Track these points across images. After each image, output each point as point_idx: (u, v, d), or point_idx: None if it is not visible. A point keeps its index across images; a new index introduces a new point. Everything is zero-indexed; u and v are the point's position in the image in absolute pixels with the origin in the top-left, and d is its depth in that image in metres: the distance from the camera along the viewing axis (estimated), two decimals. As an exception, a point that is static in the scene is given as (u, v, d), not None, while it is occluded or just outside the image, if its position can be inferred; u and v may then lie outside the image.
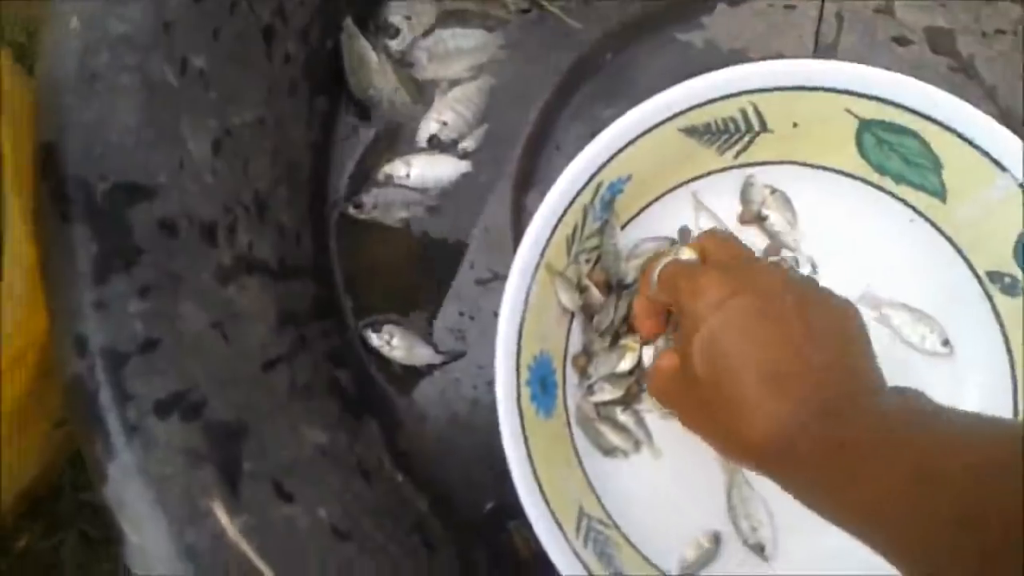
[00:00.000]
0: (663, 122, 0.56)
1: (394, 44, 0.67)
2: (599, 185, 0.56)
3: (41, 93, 0.44)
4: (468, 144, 0.66)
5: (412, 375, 0.63)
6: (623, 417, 0.59)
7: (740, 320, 0.42)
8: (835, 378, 0.41)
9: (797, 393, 0.40)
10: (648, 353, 0.58)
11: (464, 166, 0.65)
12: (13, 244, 0.42)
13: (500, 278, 0.57)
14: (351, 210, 0.65)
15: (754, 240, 0.62)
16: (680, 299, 0.45)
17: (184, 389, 0.43)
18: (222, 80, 0.52)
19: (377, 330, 0.62)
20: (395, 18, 0.68)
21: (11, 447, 0.47)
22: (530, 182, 0.65)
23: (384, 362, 0.63)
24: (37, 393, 0.45)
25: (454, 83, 0.67)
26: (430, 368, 0.63)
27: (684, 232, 0.62)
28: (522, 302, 0.54)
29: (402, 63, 0.67)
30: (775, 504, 0.58)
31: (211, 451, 0.43)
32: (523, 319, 0.54)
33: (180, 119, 0.48)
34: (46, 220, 0.42)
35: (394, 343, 0.62)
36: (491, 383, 0.53)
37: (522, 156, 0.65)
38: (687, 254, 0.51)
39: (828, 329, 0.43)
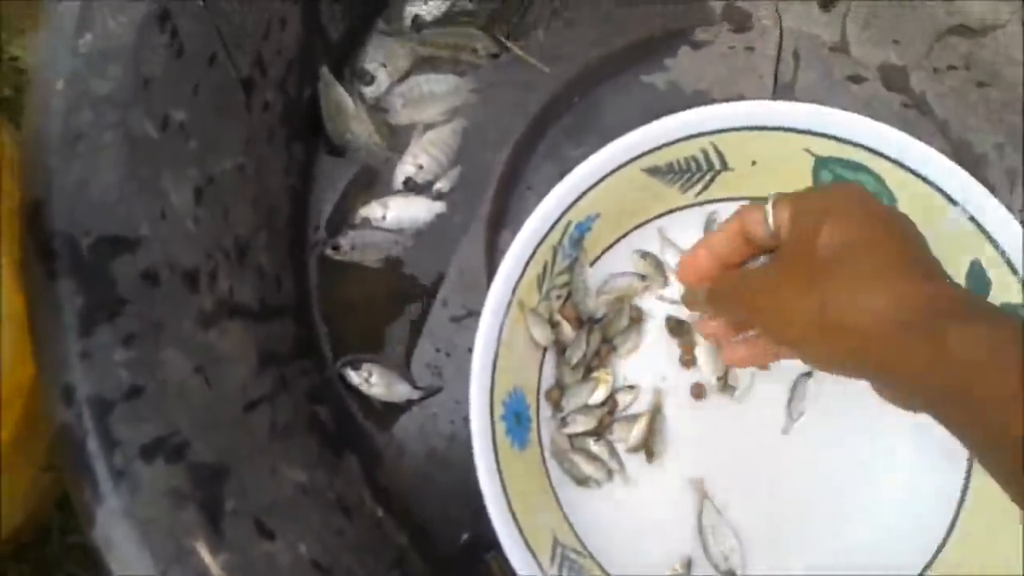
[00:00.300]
0: (627, 163, 0.59)
1: (369, 91, 0.70)
2: (568, 224, 0.58)
3: (27, 151, 0.46)
4: (442, 186, 0.68)
5: (391, 411, 0.64)
6: (596, 447, 0.60)
7: (875, 214, 0.43)
8: (943, 272, 0.44)
9: (926, 276, 0.42)
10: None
11: (439, 207, 0.67)
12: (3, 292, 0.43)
13: (474, 315, 0.59)
14: (329, 252, 0.66)
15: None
16: (804, 202, 0.45)
17: (167, 433, 0.44)
18: (203, 131, 0.53)
19: (356, 368, 0.64)
20: (370, 65, 0.70)
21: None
22: (502, 222, 0.67)
23: (363, 399, 0.64)
24: (24, 440, 0.46)
25: (428, 127, 0.69)
26: (409, 404, 0.64)
27: (644, 253, 0.64)
28: (495, 339, 0.56)
29: (377, 108, 0.69)
30: (741, 525, 0.60)
31: (194, 492, 0.44)
32: (496, 355, 0.56)
33: (161, 171, 0.49)
34: (33, 275, 0.44)
35: (373, 380, 0.63)
36: (468, 418, 0.54)
37: (494, 197, 0.67)
38: None
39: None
